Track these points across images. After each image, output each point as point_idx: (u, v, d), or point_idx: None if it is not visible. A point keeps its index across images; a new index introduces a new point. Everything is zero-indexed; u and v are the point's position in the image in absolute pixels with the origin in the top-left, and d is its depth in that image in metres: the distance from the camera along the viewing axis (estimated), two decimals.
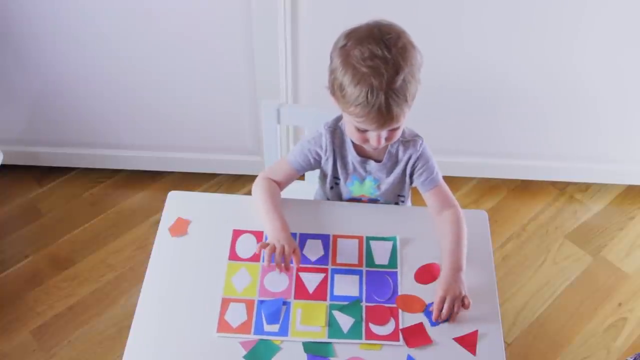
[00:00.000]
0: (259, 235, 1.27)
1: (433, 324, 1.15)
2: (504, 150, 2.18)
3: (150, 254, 1.24)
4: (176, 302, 1.17)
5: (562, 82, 1.94)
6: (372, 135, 1.16)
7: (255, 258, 1.24)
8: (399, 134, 1.19)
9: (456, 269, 1.18)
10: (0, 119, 2.12)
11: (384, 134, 1.16)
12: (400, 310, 1.16)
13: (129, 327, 1.13)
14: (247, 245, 1.25)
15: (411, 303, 1.17)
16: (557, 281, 2.02)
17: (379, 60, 1.07)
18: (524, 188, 2.29)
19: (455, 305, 1.14)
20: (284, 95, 1.95)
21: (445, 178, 1.36)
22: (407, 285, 1.20)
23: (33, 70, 1.97)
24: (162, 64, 1.92)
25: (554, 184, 2.30)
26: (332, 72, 1.14)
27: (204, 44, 1.86)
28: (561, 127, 2.07)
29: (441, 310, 1.14)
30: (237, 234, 1.27)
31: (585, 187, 2.30)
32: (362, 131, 1.16)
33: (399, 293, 1.19)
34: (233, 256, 1.24)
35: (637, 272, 2.05)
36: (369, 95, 1.07)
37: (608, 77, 1.92)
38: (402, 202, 1.39)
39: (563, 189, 2.30)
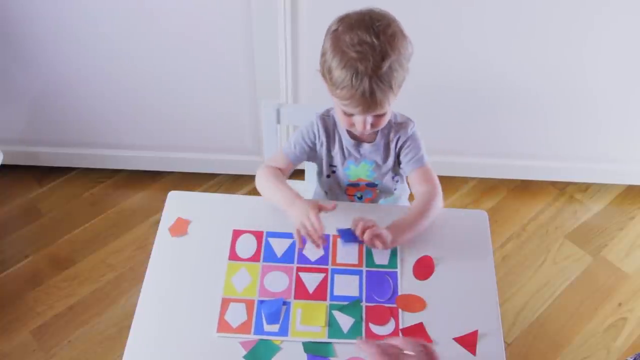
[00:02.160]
0: (259, 235, 1.27)
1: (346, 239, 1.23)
2: (504, 150, 2.18)
3: (150, 254, 1.24)
4: (176, 302, 1.17)
5: (562, 82, 1.94)
6: (357, 120, 1.18)
7: (255, 258, 1.24)
8: (385, 120, 1.21)
9: (397, 225, 1.22)
10: (0, 119, 2.12)
11: (369, 119, 1.18)
12: (400, 310, 1.16)
13: (129, 327, 1.13)
14: (247, 245, 1.25)
15: (411, 303, 1.17)
16: (557, 281, 2.02)
17: (367, 46, 1.09)
18: (524, 188, 2.29)
19: (368, 232, 1.18)
20: (284, 95, 1.95)
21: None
22: (407, 285, 1.20)
23: (33, 70, 1.97)
24: (162, 64, 1.92)
25: (554, 184, 2.30)
26: (322, 54, 1.16)
27: (204, 44, 1.86)
28: (561, 127, 2.07)
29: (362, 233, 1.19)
30: (237, 234, 1.27)
31: (585, 187, 2.30)
32: (349, 115, 1.19)
33: (399, 293, 1.19)
34: (233, 256, 1.24)
35: (637, 272, 2.05)
36: (353, 79, 1.09)
37: (608, 77, 1.92)
38: (397, 181, 1.40)
39: (563, 189, 2.30)
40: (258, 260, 1.23)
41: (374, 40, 1.09)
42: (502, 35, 1.82)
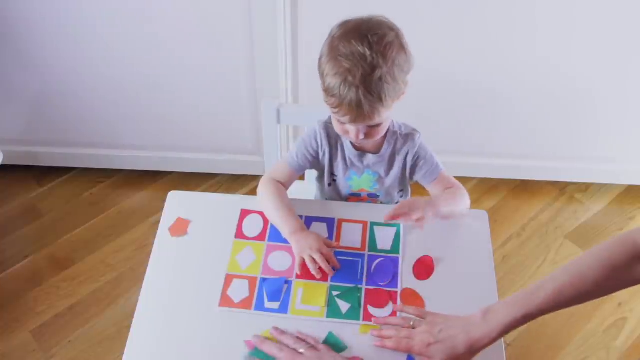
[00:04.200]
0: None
1: None
2: (504, 150, 2.18)
3: (150, 254, 1.24)
4: (176, 302, 1.17)
5: (562, 82, 1.94)
6: (351, 129, 1.18)
7: (260, 237, 1.26)
8: (380, 132, 1.20)
9: (432, 201, 1.23)
10: (0, 119, 2.12)
11: (362, 129, 1.17)
12: (398, 298, 1.17)
13: (129, 327, 1.13)
14: (253, 225, 1.28)
15: (411, 302, 1.17)
16: None
17: (358, 57, 1.08)
18: (524, 188, 2.29)
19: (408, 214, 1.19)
20: (284, 95, 1.95)
21: None
22: (407, 285, 1.20)
23: (33, 70, 1.97)
24: (162, 64, 1.92)
25: (554, 184, 2.30)
26: (319, 58, 1.16)
27: (204, 44, 1.86)
28: (561, 127, 2.07)
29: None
30: (244, 213, 1.30)
31: (585, 187, 2.30)
32: (342, 123, 1.18)
33: (400, 279, 1.20)
34: (239, 235, 1.26)
35: None
36: (341, 87, 1.09)
37: (608, 77, 1.92)
38: (401, 196, 1.39)
39: (563, 189, 2.30)
40: (263, 240, 1.26)
41: (366, 50, 1.08)
42: (501, 36, 1.82)
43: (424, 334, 1.05)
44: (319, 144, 1.31)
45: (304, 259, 1.19)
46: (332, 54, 1.11)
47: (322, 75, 1.14)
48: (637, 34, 1.80)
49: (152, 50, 1.88)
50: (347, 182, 1.35)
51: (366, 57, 1.08)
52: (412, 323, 1.09)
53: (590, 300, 1.04)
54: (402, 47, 1.12)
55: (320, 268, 1.18)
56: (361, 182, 1.35)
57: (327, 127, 1.30)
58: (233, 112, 2.06)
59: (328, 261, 1.19)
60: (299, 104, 2.00)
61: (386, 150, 1.30)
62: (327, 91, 1.13)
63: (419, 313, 1.11)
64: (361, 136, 1.18)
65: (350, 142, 1.30)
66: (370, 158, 1.31)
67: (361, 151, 1.31)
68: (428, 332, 1.05)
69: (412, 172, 1.34)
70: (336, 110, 1.13)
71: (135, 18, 1.80)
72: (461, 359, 1.04)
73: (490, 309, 1.05)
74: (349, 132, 1.19)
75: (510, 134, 2.12)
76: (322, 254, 1.18)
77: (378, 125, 1.17)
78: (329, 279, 1.19)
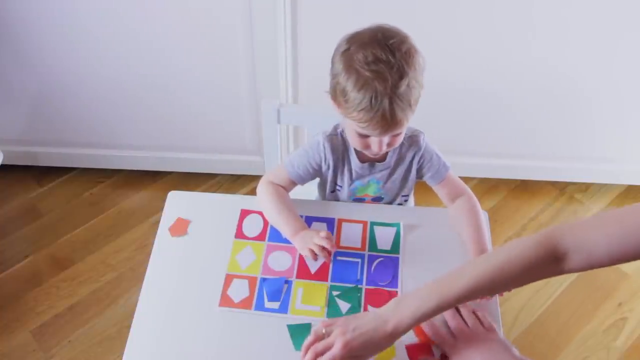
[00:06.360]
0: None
1: None
2: (503, 151, 2.18)
3: (150, 254, 1.24)
4: (176, 302, 1.17)
5: (562, 82, 1.94)
6: (374, 141, 1.15)
7: (260, 237, 1.26)
8: (400, 139, 1.19)
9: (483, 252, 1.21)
10: (0, 119, 2.12)
11: (385, 139, 1.15)
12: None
13: (129, 327, 1.13)
14: (253, 225, 1.28)
15: None
16: (557, 281, 2.02)
17: (383, 65, 1.05)
18: (524, 188, 2.29)
19: None
20: (284, 95, 1.95)
21: None
22: (407, 272, 1.21)
23: (32, 70, 1.97)
24: (162, 63, 1.92)
25: (554, 184, 2.30)
26: (334, 76, 1.12)
27: (204, 44, 1.86)
28: (561, 127, 2.07)
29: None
30: (244, 213, 1.30)
31: (585, 187, 2.30)
32: (364, 137, 1.15)
33: (400, 278, 1.20)
34: (239, 234, 1.26)
35: (637, 272, 2.05)
36: (372, 100, 1.06)
37: (608, 77, 1.92)
38: (405, 201, 1.39)
39: (563, 189, 2.30)
40: (263, 240, 1.26)
41: (390, 58, 1.05)
42: (501, 36, 1.82)
43: (340, 336, 1.00)
44: (322, 156, 1.28)
45: (311, 251, 1.17)
46: (352, 66, 1.07)
47: (342, 93, 1.10)
48: (636, 33, 1.80)
49: (153, 50, 1.88)
50: (352, 190, 1.34)
51: (392, 64, 1.05)
52: (323, 332, 1.03)
53: (502, 292, 1.13)
54: (416, 50, 1.11)
55: (325, 249, 1.17)
56: (365, 189, 1.33)
57: (332, 139, 1.27)
58: (233, 112, 2.06)
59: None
60: (299, 104, 2.00)
61: (392, 157, 1.28)
62: (354, 106, 1.08)
63: (329, 322, 1.04)
64: (384, 147, 1.16)
65: (356, 154, 1.27)
66: (376, 167, 1.29)
67: (368, 162, 1.28)
68: (342, 333, 1.00)
69: (420, 174, 1.33)
70: (365, 124, 1.09)
71: (135, 18, 1.80)
72: (383, 345, 1.01)
73: (402, 298, 1.03)
74: (371, 145, 1.16)
75: (510, 134, 2.12)
76: (321, 237, 1.17)
77: (400, 133, 1.16)
78: (329, 278, 1.19)
